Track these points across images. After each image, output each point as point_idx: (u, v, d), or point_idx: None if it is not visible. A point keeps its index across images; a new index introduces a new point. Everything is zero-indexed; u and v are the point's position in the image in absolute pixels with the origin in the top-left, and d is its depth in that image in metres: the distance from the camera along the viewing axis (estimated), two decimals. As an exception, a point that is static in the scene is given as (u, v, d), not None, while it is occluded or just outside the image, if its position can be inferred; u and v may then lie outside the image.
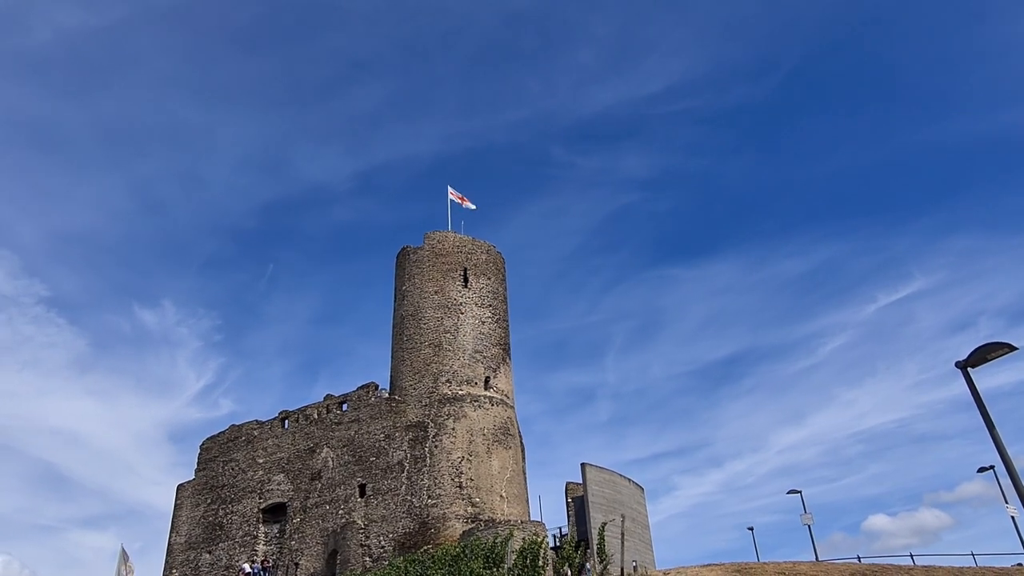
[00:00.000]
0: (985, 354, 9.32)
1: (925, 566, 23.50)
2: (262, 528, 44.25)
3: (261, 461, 46.25)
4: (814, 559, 27.29)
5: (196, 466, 49.59)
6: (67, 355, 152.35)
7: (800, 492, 30.64)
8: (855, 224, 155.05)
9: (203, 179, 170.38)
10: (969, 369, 9.44)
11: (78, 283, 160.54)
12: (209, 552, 45.11)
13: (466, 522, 36.63)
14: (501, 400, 43.25)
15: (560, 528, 32.92)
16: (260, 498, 44.89)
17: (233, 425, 49.44)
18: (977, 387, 9.23)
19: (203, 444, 50.40)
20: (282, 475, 44.91)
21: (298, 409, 47.22)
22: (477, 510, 37.80)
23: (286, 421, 47.23)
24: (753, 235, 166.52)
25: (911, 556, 27.47)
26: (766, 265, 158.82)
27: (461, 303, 45.41)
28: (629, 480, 34.02)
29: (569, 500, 33.28)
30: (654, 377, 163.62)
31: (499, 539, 22.66)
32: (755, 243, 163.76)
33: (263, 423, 48.13)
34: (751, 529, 33.02)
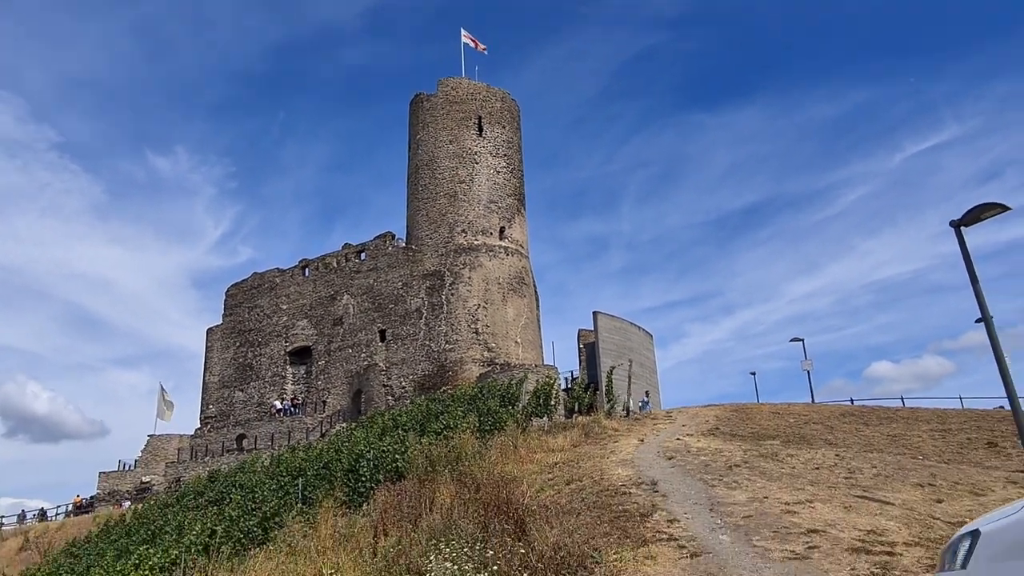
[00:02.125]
0: (979, 214, 9.62)
1: (911, 408, 25.09)
2: (289, 369, 47.08)
3: (285, 307, 48.29)
4: (809, 401, 29.02)
5: (223, 311, 51.89)
6: (85, 202, 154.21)
7: (802, 340, 31.92)
8: (891, 66, 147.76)
9: (209, 19, 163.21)
10: (962, 228, 9.79)
11: (89, 129, 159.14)
12: (241, 390, 48.32)
13: (482, 365, 38.81)
14: (516, 250, 44.23)
15: (572, 372, 34.85)
16: (286, 341, 47.35)
17: (256, 272, 51.12)
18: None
19: (228, 290, 52.35)
20: (305, 320, 47.06)
21: (317, 258, 48.56)
22: (493, 354, 39.90)
23: (307, 269, 48.74)
24: (784, 77, 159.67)
25: (901, 399, 29.44)
26: (796, 110, 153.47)
27: (476, 153, 45.19)
28: (639, 328, 35.49)
29: (581, 346, 34.98)
30: (671, 226, 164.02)
31: (514, 380, 24.23)
32: (786, 86, 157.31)
33: (284, 271, 49.72)
34: (753, 374, 34.84)
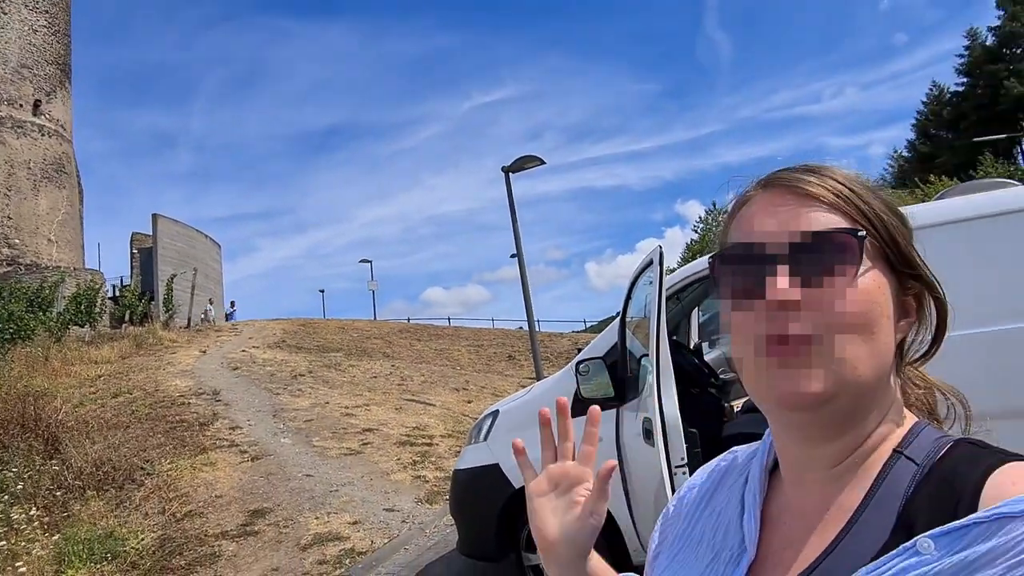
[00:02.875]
0: (522, 163, 11.61)
1: (455, 327, 29.12)
2: None
3: None
4: (372, 318, 31.21)
5: None
6: None
7: (371, 262, 33.95)
8: (472, 19, 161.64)
9: None
10: (510, 173, 11.67)
11: None
12: None
13: (2, 265, 31.83)
14: (56, 131, 36.74)
15: (121, 278, 31.11)
16: None
17: None
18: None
19: None
20: None
21: None
22: (16, 252, 32.95)
23: None
24: (375, 4, 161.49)
25: (448, 320, 33.97)
26: (383, 39, 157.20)
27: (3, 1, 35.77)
28: (206, 236, 33.22)
29: (135, 251, 31.35)
30: (248, 135, 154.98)
31: (47, 284, 20.54)
32: (377, 13, 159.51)
33: None
34: (322, 291, 35.84)
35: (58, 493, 7.06)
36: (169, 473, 7.78)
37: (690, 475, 0.90)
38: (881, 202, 0.68)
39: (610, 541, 4.27)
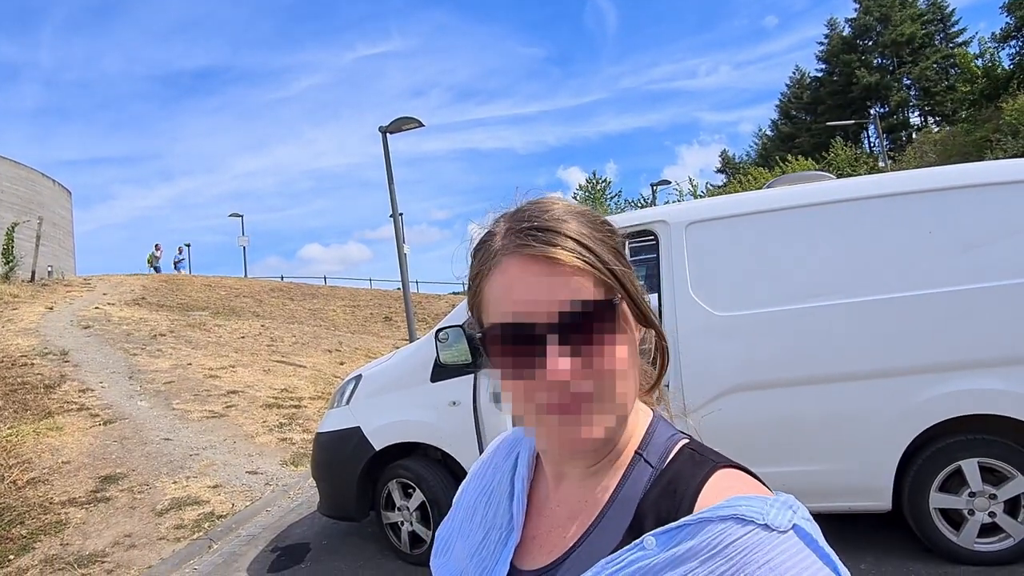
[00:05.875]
0: (401, 124, 11.49)
1: (332, 286, 28.46)
2: None
3: None
4: (242, 275, 29.91)
5: None
6: None
7: (242, 216, 32.23)
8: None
9: None
10: (388, 134, 11.52)
11: None
12: None
13: None
14: None
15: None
16: None
17: None
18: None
19: None
20: None
21: None
22: None
23: None
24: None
25: (324, 279, 33.06)
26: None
27: None
28: (54, 181, 30.37)
29: (-32, 194, 28.17)
30: (107, 71, 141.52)
31: None
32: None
33: None
34: (188, 245, 33.76)
35: None
36: (9, 439, 7.28)
37: None
38: (609, 248, 0.75)
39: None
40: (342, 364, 13.08)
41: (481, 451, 4.31)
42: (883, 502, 3.73)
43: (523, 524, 0.82)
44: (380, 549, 4.99)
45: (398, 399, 4.67)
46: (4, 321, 13.26)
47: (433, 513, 4.51)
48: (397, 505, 4.73)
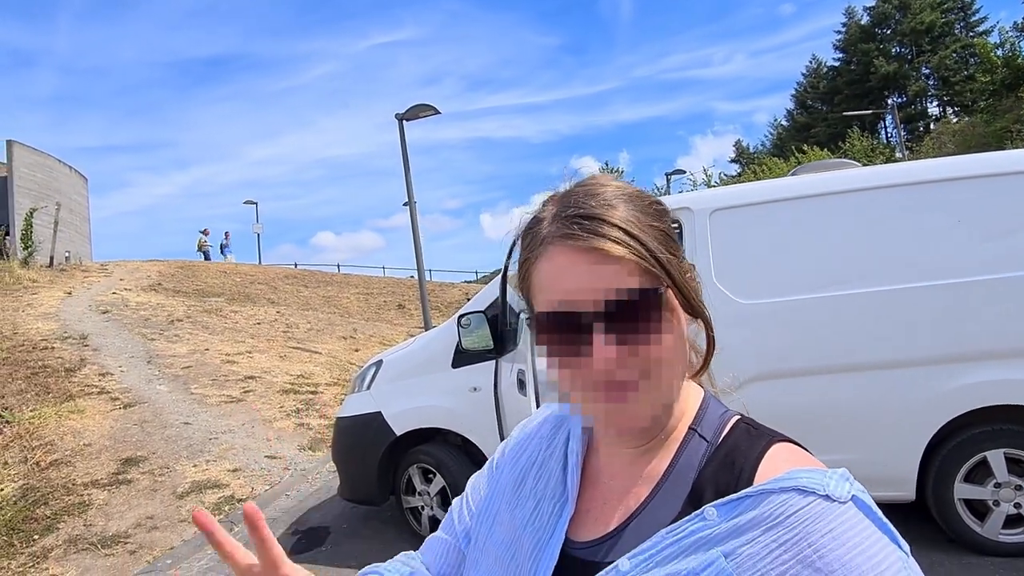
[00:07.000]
0: (417, 112, 11.48)
1: (345, 274, 28.55)
2: None
3: None
4: (257, 263, 30.07)
5: None
6: None
7: (256, 203, 32.42)
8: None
9: None
10: (404, 121, 11.51)
11: None
12: None
13: None
14: None
15: (-30, 210, 28.23)
16: None
17: None
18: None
19: None
20: None
21: None
22: None
23: None
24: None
25: (338, 266, 33.20)
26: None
27: None
28: (71, 168, 30.59)
29: (-14, 180, 28.46)
30: (123, 59, 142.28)
31: None
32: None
33: None
34: (203, 232, 33.91)
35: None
36: (31, 421, 7.38)
37: None
38: (658, 234, 0.75)
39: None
40: (357, 351, 13.15)
41: (502, 437, 4.33)
42: (907, 492, 3.72)
43: (577, 496, 0.82)
44: (400, 533, 5.03)
45: (419, 384, 4.69)
46: (24, 306, 13.42)
47: (454, 497, 4.54)
48: (417, 490, 4.76)
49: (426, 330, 10.73)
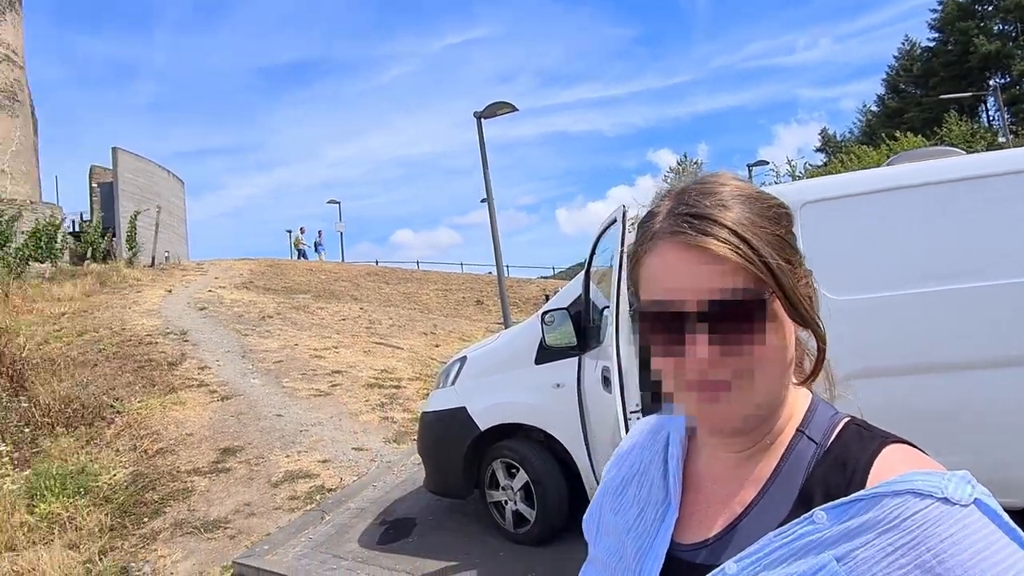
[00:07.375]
0: (495, 109, 11.57)
1: (424, 271, 29.12)
2: None
3: None
4: (340, 260, 31.04)
5: None
6: None
7: (339, 203, 33.43)
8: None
9: None
10: (482, 119, 11.63)
11: None
12: None
13: (-48, 196, 30.71)
14: (6, 56, 35.06)
15: (81, 213, 30.30)
16: None
17: None
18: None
19: None
20: None
21: None
22: (-32, 184, 31.82)
23: None
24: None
25: (417, 263, 33.89)
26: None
27: (-54, -88, 33.48)
28: (169, 172, 32.39)
29: (94, 185, 30.44)
30: (214, 67, 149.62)
31: (4, 217, 20.00)
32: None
33: None
34: (289, 232, 35.26)
35: (26, 430, 7.14)
36: (139, 411, 7.88)
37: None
38: (772, 238, 0.73)
39: (571, 482, 4.54)
40: (437, 346, 13.39)
41: (585, 434, 4.33)
42: (1017, 499, 3.49)
43: (680, 500, 0.82)
44: (484, 527, 5.11)
45: (503, 380, 4.74)
46: (130, 303, 14.31)
47: (537, 493, 4.57)
48: (501, 484, 4.81)
49: (505, 326, 10.81)
